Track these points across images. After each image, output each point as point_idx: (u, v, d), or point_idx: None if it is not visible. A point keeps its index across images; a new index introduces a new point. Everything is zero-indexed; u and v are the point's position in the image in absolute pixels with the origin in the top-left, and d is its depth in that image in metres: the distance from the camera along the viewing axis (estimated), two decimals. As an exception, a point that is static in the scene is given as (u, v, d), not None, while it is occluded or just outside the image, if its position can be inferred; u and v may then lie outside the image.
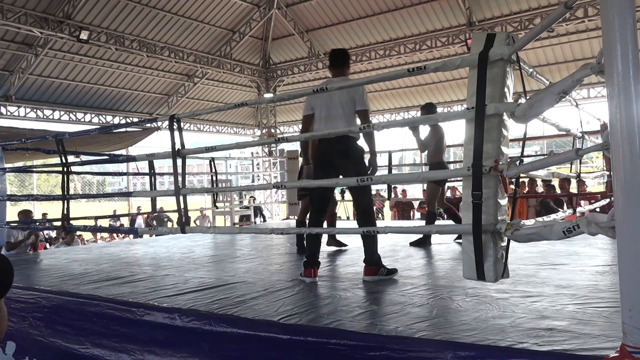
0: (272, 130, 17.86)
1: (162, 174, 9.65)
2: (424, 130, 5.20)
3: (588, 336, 1.86)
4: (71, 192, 5.17)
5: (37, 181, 19.80)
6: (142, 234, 6.13)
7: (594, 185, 9.91)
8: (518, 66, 2.12)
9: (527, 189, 9.48)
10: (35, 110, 13.25)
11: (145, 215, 13.94)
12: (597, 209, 4.76)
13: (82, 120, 14.29)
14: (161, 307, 2.66)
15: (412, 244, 4.91)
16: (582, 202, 7.04)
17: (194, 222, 13.96)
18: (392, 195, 11.14)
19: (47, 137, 5.12)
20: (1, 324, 1.30)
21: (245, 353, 2.27)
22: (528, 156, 10.13)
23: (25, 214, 6.05)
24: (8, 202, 5.69)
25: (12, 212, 6.57)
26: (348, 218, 13.66)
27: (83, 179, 20.59)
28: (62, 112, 13.83)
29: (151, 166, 7.12)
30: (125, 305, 2.78)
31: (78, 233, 9.36)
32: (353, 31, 14.39)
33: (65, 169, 4.78)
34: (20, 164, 11.04)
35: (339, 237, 4.99)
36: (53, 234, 11.09)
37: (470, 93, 2.15)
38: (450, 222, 5.63)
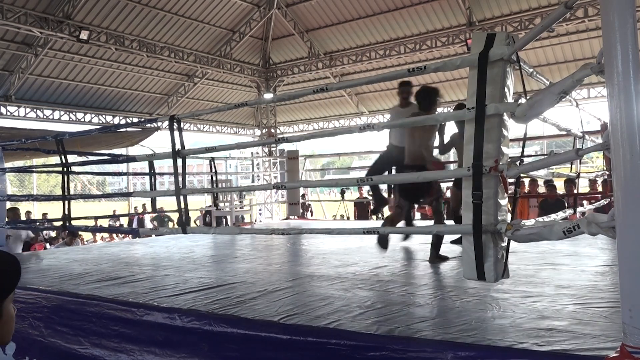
0: (272, 130, 17.86)
1: (162, 174, 9.65)
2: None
3: (588, 336, 1.86)
4: (72, 192, 5.18)
5: (37, 181, 19.81)
6: (144, 235, 6.13)
7: (585, 186, 9.92)
8: (518, 66, 2.12)
9: (527, 189, 9.48)
10: (35, 110, 13.24)
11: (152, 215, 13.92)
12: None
13: (82, 120, 14.28)
14: (161, 307, 2.66)
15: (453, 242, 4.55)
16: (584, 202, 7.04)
17: (194, 222, 13.96)
18: (392, 196, 11.13)
19: (47, 138, 5.12)
20: (5, 326, 1.29)
21: (245, 353, 2.27)
22: (528, 156, 10.12)
23: (13, 212, 6.06)
24: (8, 202, 5.69)
25: (12, 212, 6.56)
26: (348, 218, 13.68)
27: (83, 179, 20.59)
28: (62, 112, 13.81)
29: (151, 166, 7.12)
30: (125, 305, 2.78)
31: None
32: (353, 31, 14.38)
33: (65, 169, 4.78)
34: (20, 163, 11.05)
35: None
36: (53, 233, 11.09)
37: (470, 93, 2.15)
38: (450, 221, 5.57)
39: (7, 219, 5.94)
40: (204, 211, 13.37)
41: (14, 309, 1.32)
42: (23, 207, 14.24)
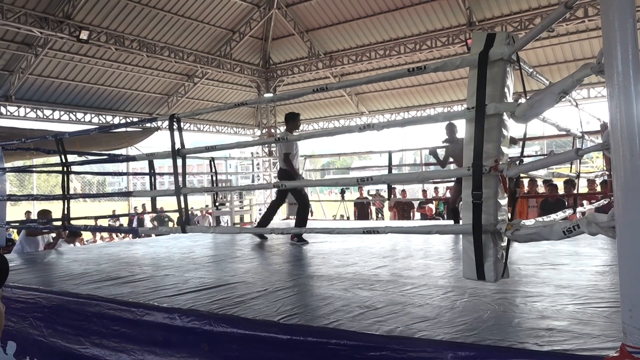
0: (272, 130, 17.87)
1: (162, 174, 9.65)
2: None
3: (588, 336, 1.86)
4: (71, 192, 5.18)
5: (37, 181, 19.80)
6: (144, 234, 6.13)
7: (584, 186, 9.90)
8: (518, 66, 2.12)
9: (527, 189, 9.47)
10: (35, 110, 13.25)
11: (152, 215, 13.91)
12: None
13: (82, 120, 14.29)
14: (161, 307, 2.65)
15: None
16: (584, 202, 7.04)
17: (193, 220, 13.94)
18: (392, 196, 11.14)
19: (47, 137, 5.12)
20: None
21: (245, 353, 2.27)
22: (528, 156, 10.12)
23: (44, 214, 6.18)
24: (8, 202, 5.69)
25: (12, 212, 6.57)
26: (348, 218, 13.67)
27: (83, 179, 20.59)
28: (62, 112, 13.83)
29: (151, 166, 7.12)
30: (125, 305, 2.78)
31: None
32: (353, 31, 14.39)
33: (65, 169, 4.78)
34: (20, 163, 11.04)
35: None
36: (53, 233, 11.08)
37: (470, 93, 2.15)
38: (450, 221, 5.73)
39: (38, 219, 6.08)
40: (204, 212, 13.37)
41: (3, 306, 1.35)
42: (23, 207, 14.25)
